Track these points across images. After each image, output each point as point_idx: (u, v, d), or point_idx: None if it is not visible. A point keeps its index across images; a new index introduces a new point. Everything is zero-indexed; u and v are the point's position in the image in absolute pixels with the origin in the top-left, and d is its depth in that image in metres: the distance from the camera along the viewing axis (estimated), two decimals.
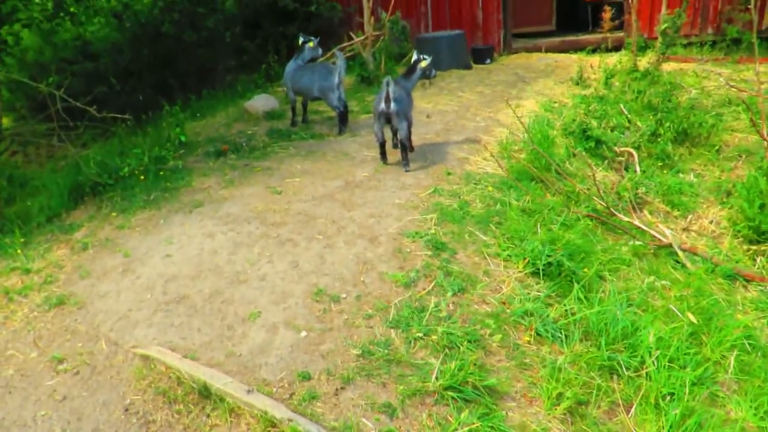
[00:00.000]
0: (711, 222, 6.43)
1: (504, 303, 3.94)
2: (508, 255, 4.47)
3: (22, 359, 3.55)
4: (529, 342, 3.62)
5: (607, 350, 3.52)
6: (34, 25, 7.84)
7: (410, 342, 3.46)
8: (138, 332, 3.59)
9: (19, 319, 3.97)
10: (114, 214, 5.43)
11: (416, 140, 6.62)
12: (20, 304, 4.15)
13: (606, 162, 7.19)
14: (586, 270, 4.46)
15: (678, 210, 6.48)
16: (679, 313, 4.20)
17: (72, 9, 8.12)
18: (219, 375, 3.08)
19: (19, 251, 4.98)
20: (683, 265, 5.23)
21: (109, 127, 8.45)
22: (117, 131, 8.32)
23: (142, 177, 6.11)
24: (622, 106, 8.32)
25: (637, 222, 5.71)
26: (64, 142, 7.16)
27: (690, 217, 6.42)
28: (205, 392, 3.04)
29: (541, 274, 4.25)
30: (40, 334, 3.75)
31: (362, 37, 9.20)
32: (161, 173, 6.22)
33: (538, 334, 3.68)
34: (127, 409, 3.08)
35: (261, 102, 8.30)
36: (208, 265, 4.24)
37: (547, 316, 3.78)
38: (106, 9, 9.37)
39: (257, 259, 4.29)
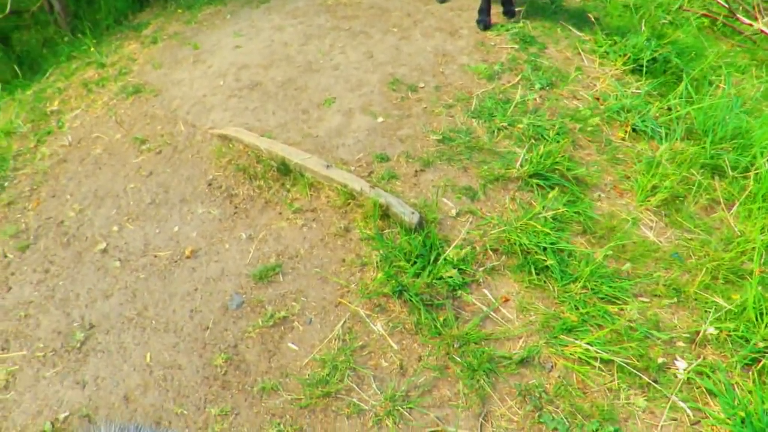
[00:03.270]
0: None
1: (598, 99, 3.57)
2: (605, 51, 3.97)
3: (108, 140, 3.64)
4: (623, 138, 3.32)
5: (712, 149, 3.18)
6: None
7: (493, 132, 3.24)
8: (214, 116, 3.55)
9: (100, 106, 4.01)
10: (180, 11, 5.20)
11: None
12: (99, 94, 4.19)
13: None
14: (694, 68, 3.94)
15: None
16: None
17: None
18: (297, 152, 3.03)
19: (92, 49, 4.94)
20: None
21: None
22: None
23: None
24: None
25: (760, 25, 4.90)
26: None
27: None
28: (283, 168, 3.02)
29: (643, 71, 3.78)
30: (122, 119, 3.79)
31: None
32: None
33: (634, 131, 3.35)
34: (210, 184, 3.14)
35: None
36: (279, 55, 4.04)
37: (647, 112, 3.40)
38: None
39: (329, 50, 4.03)
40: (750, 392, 2.04)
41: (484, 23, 4.12)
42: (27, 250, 2.90)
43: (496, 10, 4.35)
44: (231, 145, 3.28)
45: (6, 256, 2.88)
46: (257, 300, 2.49)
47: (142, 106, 3.87)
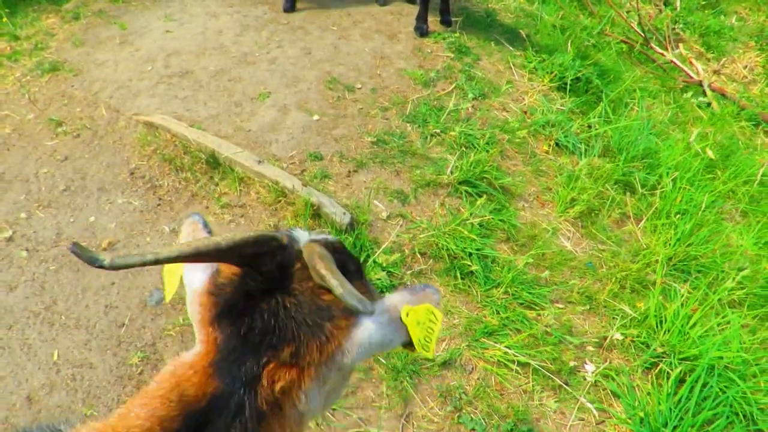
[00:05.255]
0: (745, 67, 6.04)
1: (525, 112, 3.74)
2: (534, 67, 4.17)
3: (19, 120, 3.37)
4: (547, 151, 3.50)
5: (624, 167, 3.42)
6: None
7: (426, 137, 3.31)
8: (140, 102, 3.38)
9: (11, 82, 3.71)
10: None
11: None
12: (11, 69, 3.87)
13: None
14: (612, 90, 4.22)
15: (713, 52, 6.05)
16: (698, 148, 4.06)
17: None
18: (228, 145, 2.95)
19: (4, 19, 4.55)
20: (709, 105, 4.98)
21: None
22: None
23: None
24: None
25: (670, 56, 5.33)
26: None
27: (724, 60, 6.00)
28: (213, 161, 2.93)
29: (567, 88, 4.00)
30: (36, 98, 3.53)
31: None
32: None
33: (557, 145, 3.54)
34: (132, 173, 2.99)
35: None
36: (213, 43, 3.91)
37: (569, 128, 3.61)
38: None
39: (266, 43, 3.95)
40: (648, 394, 2.22)
41: (422, 30, 4.19)
42: None
43: (434, 18, 4.44)
44: (157, 134, 3.14)
45: None
46: (178, 296, 2.40)
47: (59, 86, 3.61)
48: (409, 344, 0.84)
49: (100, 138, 3.20)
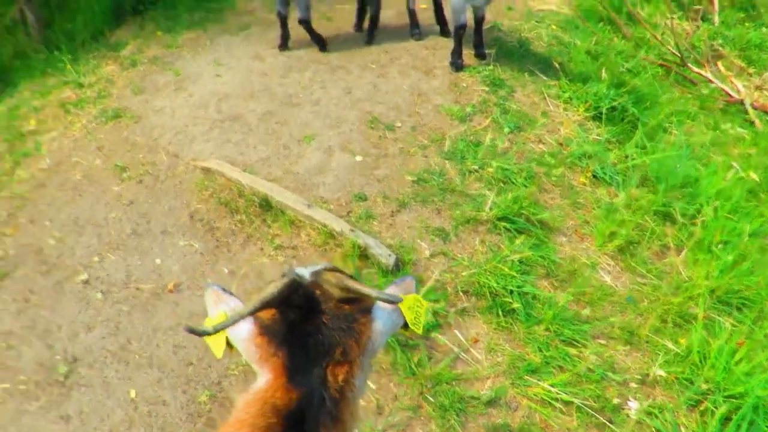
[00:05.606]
0: None
1: (561, 144, 3.83)
2: (569, 97, 4.25)
3: (87, 166, 3.67)
4: (584, 183, 3.57)
5: (664, 197, 3.46)
6: None
7: (465, 174, 3.44)
8: (196, 146, 3.63)
9: (78, 129, 4.03)
10: (159, 33, 5.24)
11: None
12: (77, 116, 4.20)
13: (682, 9, 6.51)
14: (652, 118, 4.26)
15: (755, 67, 5.96)
16: (740, 170, 4.05)
17: None
18: (279, 189, 3.15)
19: (68, 66, 4.93)
20: (752, 124, 4.93)
21: None
22: None
23: None
24: None
25: (709, 75, 5.31)
26: None
27: (766, 74, 5.92)
28: (265, 205, 3.13)
29: (603, 118, 4.06)
30: (101, 144, 3.83)
31: None
32: None
33: (594, 177, 3.61)
34: (192, 216, 3.22)
35: None
36: (259, 86, 4.15)
37: (606, 159, 3.67)
38: None
39: (309, 84, 4.17)
40: None
41: (457, 65, 4.34)
42: (6, 278, 2.92)
43: (468, 51, 4.58)
44: (213, 178, 3.38)
45: None
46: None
47: (122, 132, 3.91)
48: (404, 325, 1.11)
49: (161, 182, 3.45)
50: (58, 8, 6.85)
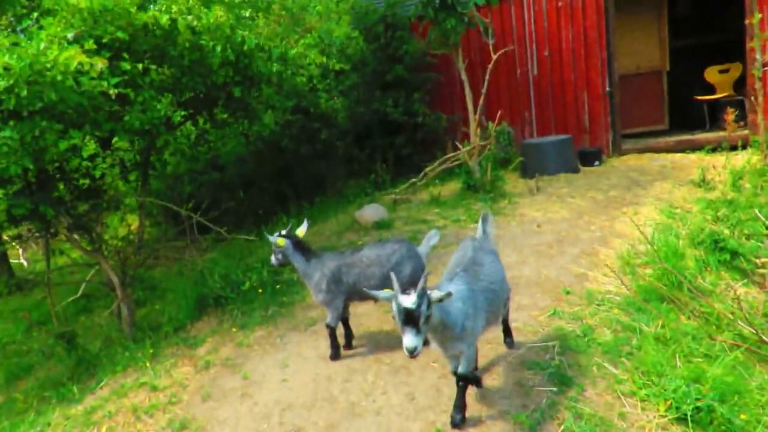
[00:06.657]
0: None
1: None
2: (645, 394, 3.99)
3: None
4: None
5: None
6: (178, 153, 8.91)
7: None
8: None
9: None
10: (234, 329, 5.65)
11: (527, 253, 6.41)
12: (146, 424, 4.32)
13: (745, 276, 6.46)
14: (742, 416, 3.86)
15: None
16: None
17: (210, 137, 9.11)
18: None
19: (147, 364, 5.29)
20: None
21: (231, 234, 9.09)
22: (237, 239, 8.88)
23: (260, 290, 6.37)
24: (756, 210, 7.58)
25: None
26: (193, 253, 7.84)
27: None
28: None
29: (689, 420, 3.72)
30: None
31: (469, 147, 9.37)
32: (277, 287, 6.47)
33: None
34: None
35: (370, 212, 8.56)
36: (323, 393, 4.20)
37: None
38: (237, 131, 10.41)
39: (371, 388, 4.18)
40: None
41: (454, 421, 3.65)
42: None
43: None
44: None
45: None
46: None
47: None
48: None
49: None
50: (148, 302, 7.68)
